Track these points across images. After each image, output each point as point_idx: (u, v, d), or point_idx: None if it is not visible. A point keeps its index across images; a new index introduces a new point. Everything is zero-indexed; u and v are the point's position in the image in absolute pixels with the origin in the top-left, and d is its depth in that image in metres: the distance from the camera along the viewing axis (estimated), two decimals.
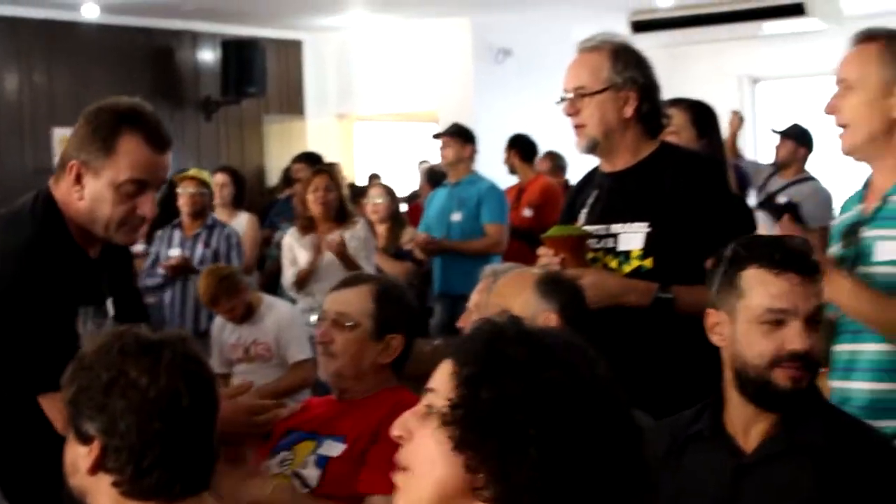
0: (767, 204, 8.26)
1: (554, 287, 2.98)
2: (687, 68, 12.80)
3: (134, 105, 2.94)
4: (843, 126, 3.00)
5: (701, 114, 4.60)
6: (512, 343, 1.67)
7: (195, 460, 2.16)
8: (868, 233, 2.98)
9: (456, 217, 7.75)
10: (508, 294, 2.97)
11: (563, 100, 3.53)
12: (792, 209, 7.94)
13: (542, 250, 3.42)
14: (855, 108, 2.96)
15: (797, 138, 8.21)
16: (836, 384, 3.04)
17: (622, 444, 1.67)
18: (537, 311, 2.87)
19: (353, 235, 7.03)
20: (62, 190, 2.91)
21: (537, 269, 3.14)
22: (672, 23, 11.64)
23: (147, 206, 2.91)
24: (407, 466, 1.72)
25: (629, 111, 3.47)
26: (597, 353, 1.73)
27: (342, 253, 6.83)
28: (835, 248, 3.02)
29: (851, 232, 3.01)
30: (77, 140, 2.90)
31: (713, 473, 2.52)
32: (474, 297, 3.93)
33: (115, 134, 2.86)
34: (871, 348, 2.96)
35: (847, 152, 3.03)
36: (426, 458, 1.69)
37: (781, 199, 8.11)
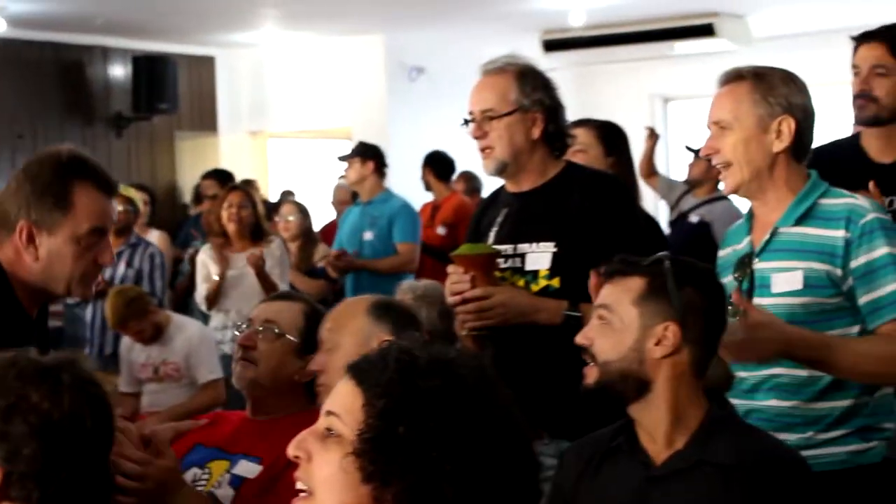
0: (680, 223, 8.35)
1: (386, 310, 2.97)
2: (599, 87, 12.94)
3: (72, 153, 2.83)
4: (726, 165, 3.06)
5: (608, 132, 4.63)
6: (425, 374, 1.67)
7: (97, 486, 2.12)
8: (761, 265, 3.05)
9: (368, 235, 7.72)
10: (343, 318, 2.96)
11: (467, 122, 3.54)
12: (704, 229, 8.04)
13: (451, 268, 3.43)
14: (735, 148, 3.03)
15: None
16: (738, 402, 3.10)
17: (524, 473, 1.70)
18: (371, 334, 2.87)
19: (268, 253, 7.01)
20: (8, 253, 2.77)
21: (370, 296, 3.15)
22: (584, 42, 11.72)
23: (108, 253, 2.82)
24: (309, 489, 1.71)
25: (536, 133, 3.49)
26: (497, 377, 1.73)
27: (260, 268, 6.80)
28: (726, 280, 3.07)
29: (743, 264, 3.05)
30: (21, 199, 2.76)
31: (625, 485, 2.58)
32: None
33: (67, 187, 2.75)
34: (775, 371, 3.03)
35: (732, 190, 3.10)
36: (332, 485, 1.68)
37: (693, 218, 8.20)
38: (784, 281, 3.00)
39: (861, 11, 8.23)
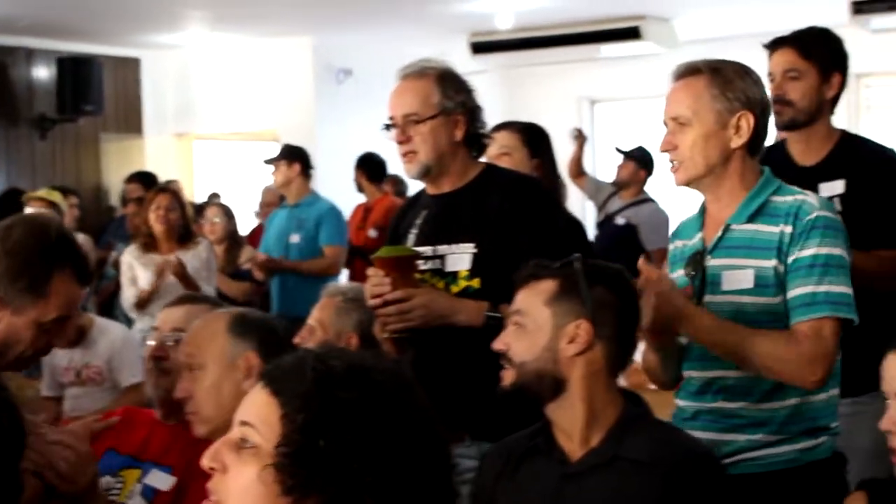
0: (607, 224, 8.41)
1: (247, 327, 2.85)
2: (527, 89, 12.99)
3: (60, 231, 2.72)
4: (681, 161, 3.02)
5: (532, 135, 4.64)
6: (344, 385, 1.65)
7: (8, 490, 2.10)
8: (713, 262, 3.03)
9: (294, 238, 7.69)
10: (202, 341, 2.84)
11: (388, 127, 3.53)
12: (630, 231, 8.10)
13: (371, 271, 3.42)
14: (694, 143, 2.98)
15: (639, 160, 8.39)
16: (686, 403, 3.11)
17: (441, 479, 1.70)
18: (235, 355, 2.78)
19: (196, 255, 6.96)
20: None
21: (226, 310, 3.02)
22: (512, 45, 11.75)
23: (64, 339, 2.75)
24: (223, 500, 1.69)
25: (459, 135, 3.50)
26: (414, 380, 1.73)
27: (182, 274, 6.75)
28: (676, 275, 3.08)
29: (695, 261, 3.05)
30: None
31: (542, 484, 2.61)
32: (315, 314, 3.92)
33: (48, 275, 2.64)
34: (721, 374, 3.02)
35: (683, 184, 3.06)
36: (248, 497, 1.66)
37: (620, 220, 8.25)
38: (734, 279, 2.98)
39: (786, 15, 8.31)
